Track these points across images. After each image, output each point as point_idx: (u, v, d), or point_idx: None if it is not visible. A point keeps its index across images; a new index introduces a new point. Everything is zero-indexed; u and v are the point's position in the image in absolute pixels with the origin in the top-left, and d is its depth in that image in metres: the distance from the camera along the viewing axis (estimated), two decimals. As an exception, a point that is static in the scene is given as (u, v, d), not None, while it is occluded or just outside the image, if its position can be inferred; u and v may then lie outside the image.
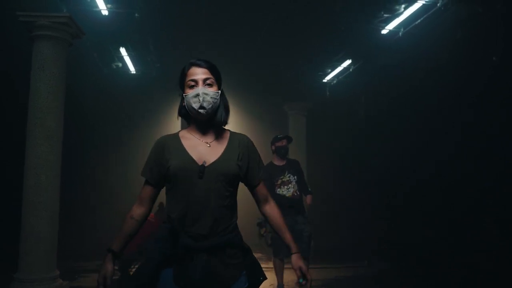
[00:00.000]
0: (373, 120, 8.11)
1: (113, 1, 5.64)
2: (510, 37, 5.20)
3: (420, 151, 6.87)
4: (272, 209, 1.98)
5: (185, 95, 1.87)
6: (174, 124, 8.23)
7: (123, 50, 7.28)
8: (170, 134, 1.97)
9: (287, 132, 8.47)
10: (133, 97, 8.27)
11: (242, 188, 2.00)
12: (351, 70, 7.67)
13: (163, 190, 1.95)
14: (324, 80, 8.40)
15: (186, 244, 1.76)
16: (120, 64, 7.62)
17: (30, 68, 4.50)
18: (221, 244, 1.79)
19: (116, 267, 5.39)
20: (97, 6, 5.63)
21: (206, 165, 1.80)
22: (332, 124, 8.31)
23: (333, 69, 7.99)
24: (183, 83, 1.90)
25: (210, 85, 1.86)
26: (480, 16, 5.35)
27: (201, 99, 1.81)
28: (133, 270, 5.70)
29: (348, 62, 7.54)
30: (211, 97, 1.83)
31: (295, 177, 4.93)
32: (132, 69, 7.94)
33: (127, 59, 7.58)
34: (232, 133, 1.98)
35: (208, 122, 1.89)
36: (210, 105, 1.83)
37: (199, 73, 1.85)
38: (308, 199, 5.17)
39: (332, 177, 8.62)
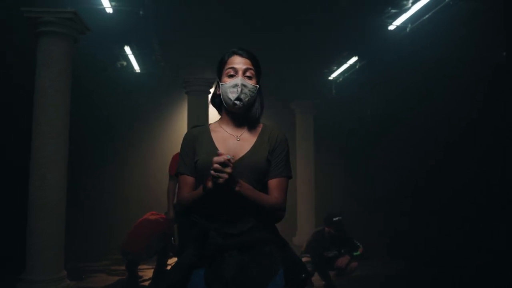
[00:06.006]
0: (380, 118, 8.01)
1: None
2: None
3: (427, 148, 6.75)
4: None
5: (222, 84, 1.77)
6: (181, 122, 8.31)
7: (127, 49, 7.23)
8: (200, 127, 1.89)
9: (294, 130, 8.42)
10: (139, 96, 8.20)
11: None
12: (357, 67, 7.61)
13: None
14: (330, 78, 8.33)
15: (216, 243, 1.66)
16: (125, 63, 7.57)
17: (35, 65, 4.43)
18: (253, 242, 1.68)
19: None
20: (101, 4, 5.58)
21: (233, 160, 1.63)
22: (339, 122, 8.22)
23: (339, 67, 7.93)
24: (221, 71, 1.81)
25: (249, 77, 1.77)
26: (487, 12, 5.27)
27: (239, 89, 1.72)
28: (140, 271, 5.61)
29: (354, 59, 7.48)
30: (249, 90, 1.75)
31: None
32: (136, 67, 7.89)
33: (132, 58, 7.53)
34: (264, 127, 1.86)
35: (242, 116, 1.81)
36: (247, 98, 1.74)
37: (240, 63, 1.77)
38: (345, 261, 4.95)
39: (340, 176, 8.55)
